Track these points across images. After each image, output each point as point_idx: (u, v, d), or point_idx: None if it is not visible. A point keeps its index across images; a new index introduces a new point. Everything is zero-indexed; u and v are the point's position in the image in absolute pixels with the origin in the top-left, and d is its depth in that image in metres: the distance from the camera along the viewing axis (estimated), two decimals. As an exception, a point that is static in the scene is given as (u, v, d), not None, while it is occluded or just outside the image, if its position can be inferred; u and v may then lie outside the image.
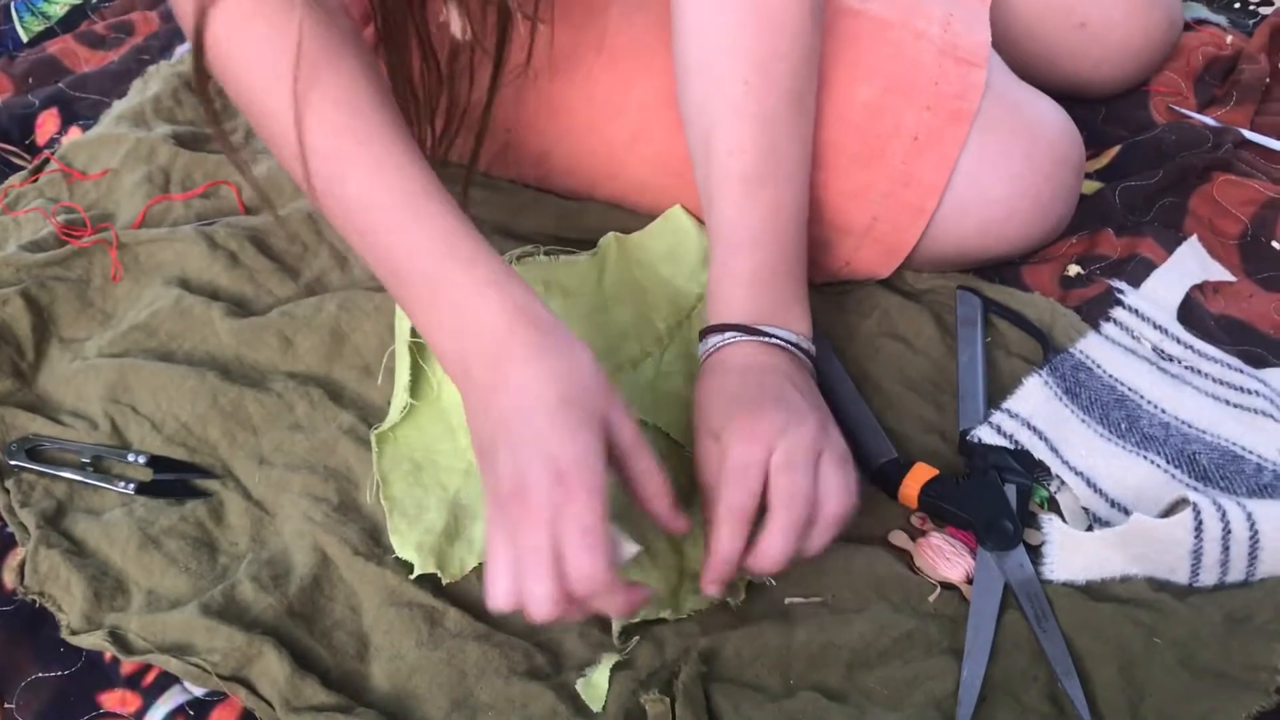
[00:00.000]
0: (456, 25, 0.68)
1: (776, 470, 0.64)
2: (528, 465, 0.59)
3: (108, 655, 0.69)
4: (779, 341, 0.72)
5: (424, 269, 0.65)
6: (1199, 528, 0.68)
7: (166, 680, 0.67)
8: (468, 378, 0.64)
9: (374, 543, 0.73)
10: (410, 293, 0.67)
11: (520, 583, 0.58)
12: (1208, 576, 0.69)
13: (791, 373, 0.71)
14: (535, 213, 0.95)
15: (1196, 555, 0.68)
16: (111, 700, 0.67)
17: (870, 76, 0.82)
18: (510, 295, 0.64)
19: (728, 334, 0.73)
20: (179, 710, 0.66)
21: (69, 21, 1.33)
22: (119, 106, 1.14)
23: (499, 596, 0.59)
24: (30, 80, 1.21)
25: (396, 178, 0.65)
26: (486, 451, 0.63)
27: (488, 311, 0.63)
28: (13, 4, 1.34)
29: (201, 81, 0.68)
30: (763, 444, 0.65)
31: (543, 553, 0.58)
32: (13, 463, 0.78)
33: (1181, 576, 0.69)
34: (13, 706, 0.67)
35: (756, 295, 0.74)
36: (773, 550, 0.63)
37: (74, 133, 1.12)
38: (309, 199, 0.68)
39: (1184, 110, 1.04)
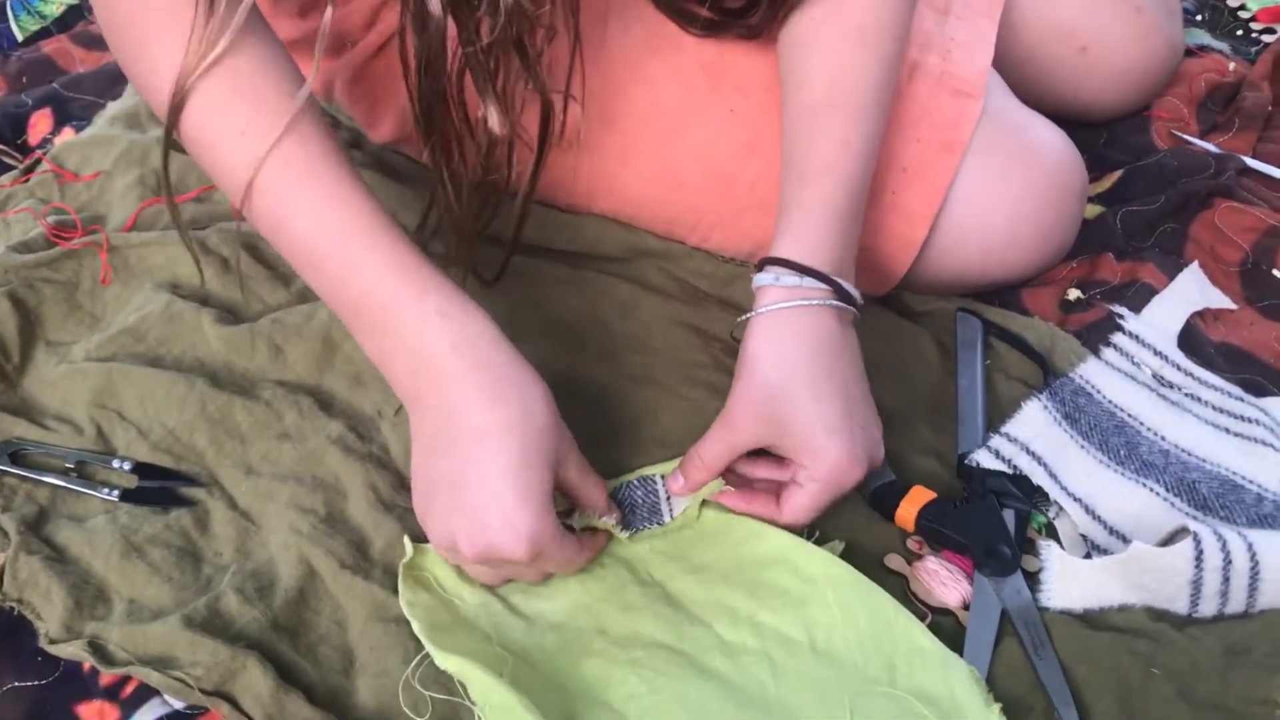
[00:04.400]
0: (495, 121, 0.67)
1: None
2: (488, 525, 0.62)
3: (87, 665, 0.67)
4: (842, 304, 0.70)
5: (374, 302, 0.64)
6: (1199, 557, 0.67)
7: (146, 692, 0.66)
8: (420, 405, 0.65)
9: (361, 556, 0.72)
10: (362, 323, 0.66)
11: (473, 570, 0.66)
12: (1207, 607, 0.68)
13: (854, 354, 0.71)
14: (533, 224, 0.94)
15: (1196, 585, 0.68)
16: (89, 712, 0.66)
17: None
18: (463, 330, 0.63)
19: (805, 280, 0.69)
20: (158, 723, 0.65)
21: (65, 21, 1.32)
22: (113, 108, 1.12)
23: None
24: (24, 80, 1.20)
25: (344, 211, 0.64)
26: (441, 472, 0.64)
27: (439, 348, 0.63)
28: (9, 3, 1.33)
29: (167, 151, 0.68)
30: (857, 467, 0.67)
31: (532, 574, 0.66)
32: (-5, 466, 0.77)
33: (1181, 607, 0.68)
34: (-12, 716, 0.66)
35: (829, 233, 0.71)
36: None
37: (67, 133, 1.11)
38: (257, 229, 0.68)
39: (1186, 136, 1.04)
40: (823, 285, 0.69)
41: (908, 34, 0.76)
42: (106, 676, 0.66)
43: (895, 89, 0.76)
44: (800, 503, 0.69)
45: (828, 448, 0.66)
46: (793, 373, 0.68)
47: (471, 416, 0.62)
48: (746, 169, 0.84)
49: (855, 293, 0.71)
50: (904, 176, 0.81)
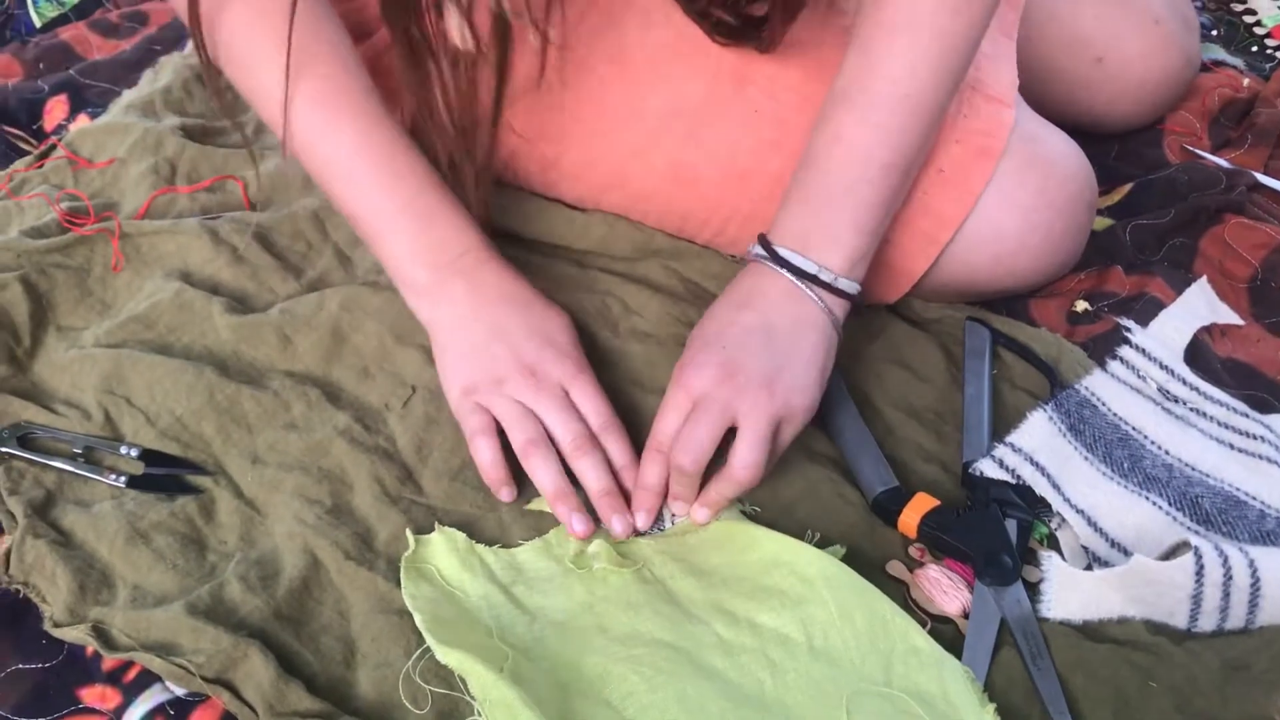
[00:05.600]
0: (455, 33, 0.68)
1: (692, 412, 0.72)
2: (532, 348, 0.77)
3: (90, 650, 0.67)
4: (795, 278, 0.74)
5: (404, 204, 0.78)
6: (1200, 572, 0.67)
7: (148, 678, 0.66)
8: (446, 291, 0.79)
9: (365, 547, 0.72)
10: (388, 225, 0.79)
11: (508, 418, 0.75)
12: (1207, 622, 0.68)
13: (786, 317, 0.74)
14: (541, 221, 0.95)
15: (1196, 600, 0.68)
16: (91, 696, 0.66)
17: None
18: (476, 227, 0.80)
19: (758, 245, 0.77)
20: (159, 709, 0.65)
21: (83, 9, 1.32)
22: (128, 96, 1.13)
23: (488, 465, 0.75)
24: (41, 66, 1.21)
25: (371, 137, 0.78)
26: (476, 350, 0.77)
27: (466, 230, 0.80)
28: (28, -12, 1.34)
29: (206, 66, 0.78)
30: (688, 390, 0.72)
31: (550, 406, 0.75)
32: (3, 450, 0.77)
33: (1180, 621, 0.69)
34: (-10, 697, 0.66)
35: (797, 214, 0.76)
36: (644, 478, 0.74)
37: (82, 120, 1.12)
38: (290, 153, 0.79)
39: (1198, 151, 1.04)
40: (764, 253, 0.76)
41: (963, 37, 0.75)
42: (109, 661, 0.67)
43: (942, 89, 0.76)
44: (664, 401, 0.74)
45: (690, 344, 0.75)
46: (717, 307, 0.77)
47: (499, 270, 0.80)
48: (769, 164, 0.84)
49: (809, 266, 0.75)
50: (940, 177, 0.82)
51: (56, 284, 0.89)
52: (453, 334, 0.78)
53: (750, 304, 0.75)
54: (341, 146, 0.78)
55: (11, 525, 0.73)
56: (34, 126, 1.13)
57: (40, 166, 1.03)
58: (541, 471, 0.73)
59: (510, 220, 0.96)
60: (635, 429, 0.79)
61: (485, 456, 0.75)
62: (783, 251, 0.75)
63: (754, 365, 0.72)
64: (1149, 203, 0.98)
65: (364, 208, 0.79)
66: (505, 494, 0.75)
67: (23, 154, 1.07)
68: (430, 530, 0.73)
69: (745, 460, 0.70)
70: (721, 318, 0.76)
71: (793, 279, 0.74)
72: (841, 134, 0.76)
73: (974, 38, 0.75)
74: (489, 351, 0.77)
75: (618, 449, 0.76)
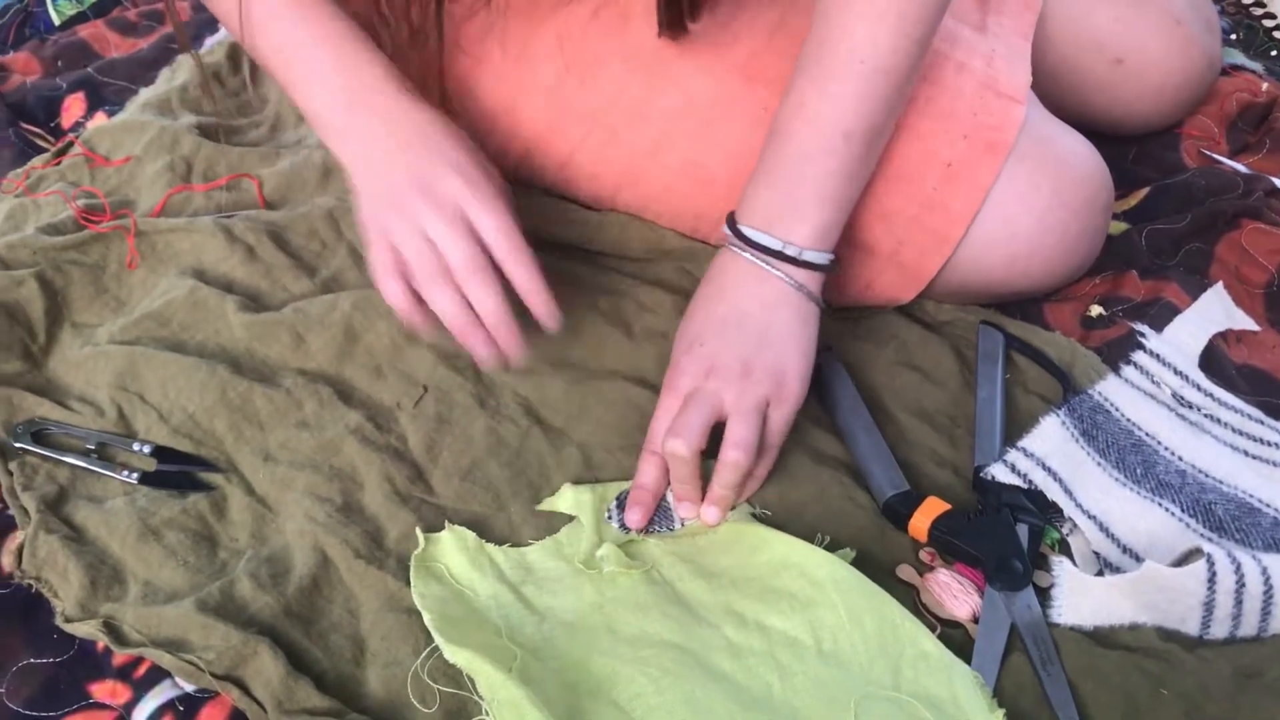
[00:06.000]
0: None
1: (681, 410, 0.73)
2: (430, 166, 0.76)
3: (100, 645, 0.68)
4: (755, 255, 0.76)
5: (330, 59, 0.80)
6: (1212, 579, 0.67)
7: (158, 674, 0.67)
8: (360, 131, 0.79)
9: (375, 545, 0.72)
10: (308, 72, 0.80)
11: (406, 250, 0.74)
12: (1219, 629, 0.68)
13: (757, 298, 0.75)
14: (557, 222, 0.95)
15: (1208, 607, 0.67)
16: (102, 691, 0.66)
17: (909, 100, 0.82)
18: (396, 74, 0.80)
19: (725, 228, 0.78)
20: (169, 705, 0.65)
21: (101, 7, 1.33)
22: (146, 94, 1.14)
23: (394, 293, 0.75)
24: (59, 63, 1.22)
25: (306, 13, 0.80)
26: (383, 184, 0.77)
27: (380, 72, 0.79)
28: (47, -13, 1.34)
29: None
30: (675, 391, 0.75)
31: (444, 227, 0.74)
32: (17, 445, 0.78)
33: (1192, 628, 0.68)
34: (2, 691, 0.66)
35: (762, 190, 0.77)
36: (640, 477, 0.76)
37: (99, 118, 1.12)
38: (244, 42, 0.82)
39: (1215, 155, 1.03)
40: (732, 233, 0.77)
41: (923, 4, 0.75)
42: (120, 657, 0.67)
43: (902, 54, 0.76)
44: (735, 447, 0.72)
45: (676, 346, 0.77)
46: (695, 303, 0.78)
47: (415, 107, 0.79)
48: None
49: (773, 243, 0.75)
50: (948, 172, 0.81)
51: (72, 281, 0.90)
52: (365, 171, 0.79)
53: (722, 294, 0.77)
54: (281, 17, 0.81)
55: (24, 520, 0.74)
56: (51, 124, 1.13)
57: (57, 164, 1.04)
58: (439, 303, 0.74)
59: (524, 220, 0.96)
60: (644, 432, 0.79)
61: (394, 299, 0.76)
62: (747, 231, 0.76)
63: (729, 355, 0.74)
64: (1165, 207, 0.97)
65: (289, 59, 0.81)
66: (421, 328, 0.76)
67: (40, 151, 1.07)
68: (440, 529, 0.74)
69: (737, 437, 0.71)
70: (698, 315, 0.77)
71: (755, 259, 0.76)
72: (803, 104, 0.76)
73: (936, 3, 0.75)
74: (394, 183, 0.77)
75: (521, 274, 0.75)
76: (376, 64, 0.80)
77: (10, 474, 0.76)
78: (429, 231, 0.74)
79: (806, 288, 0.76)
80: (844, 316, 0.88)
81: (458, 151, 0.78)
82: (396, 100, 0.79)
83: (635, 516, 0.74)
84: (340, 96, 0.80)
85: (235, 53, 1.18)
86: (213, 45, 1.20)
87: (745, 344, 0.74)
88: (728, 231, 0.78)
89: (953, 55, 0.83)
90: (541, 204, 0.96)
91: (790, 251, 0.75)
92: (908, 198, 0.82)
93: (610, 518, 0.75)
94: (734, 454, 0.71)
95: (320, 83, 0.80)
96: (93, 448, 0.78)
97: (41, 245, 0.90)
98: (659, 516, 0.75)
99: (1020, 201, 0.82)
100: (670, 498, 0.76)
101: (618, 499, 0.76)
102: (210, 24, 1.25)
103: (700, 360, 0.74)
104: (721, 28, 0.85)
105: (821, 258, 0.76)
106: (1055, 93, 0.95)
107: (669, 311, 0.88)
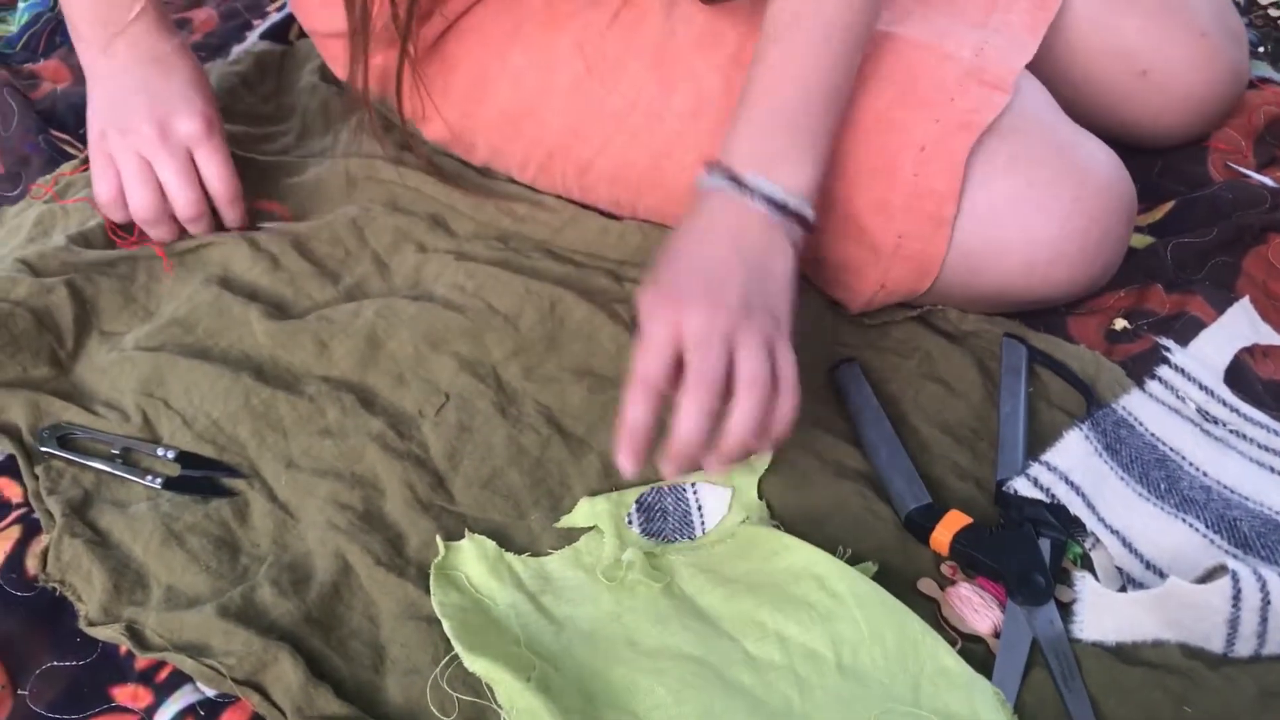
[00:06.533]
0: None
1: (687, 348, 0.68)
2: (173, 109, 0.90)
3: (123, 649, 0.68)
4: (753, 200, 0.74)
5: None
6: (1237, 596, 0.66)
7: (179, 678, 0.67)
8: (109, 46, 0.91)
9: (396, 553, 0.73)
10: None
11: (131, 183, 0.91)
12: (1244, 647, 0.67)
13: (753, 241, 0.73)
14: (576, 230, 0.95)
15: (1233, 625, 0.67)
16: (124, 695, 0.67)
17: (882, 89, 0.83)
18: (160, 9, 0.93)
19: (713, 175, 0.76)
20: (189, 710, 0.65)
21: (131, 15, 1.34)
22: (174, 102, 1.14)
23: (105, 202, 0.92)
24: (89, 71, 1.22)
25: None
26: (115, 99, 0.91)
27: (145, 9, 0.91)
28: (77, -5, 1.36)
29: None
30: (673, 326, 0.69)
31: (174, 168, 0.90)
32: (43, 449, 0.78)
33: (1216, 645, 0.67)
34: (25, 694, 0.67)
35: (750, 136, 0.77)
36: (681, 430, 0.67)
37: (128, 125, 1.13)
38: None
39: (1242, 169, 1.03)
40: (723, 182, 0.75)
41: None
42: (141, 661, 0.67)
43: (854, 9, 0.79)
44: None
45: (661, 283, 0.72)
46: (685, 243, 0.75)
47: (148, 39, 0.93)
48: None
49: (748, 179, 0.75)
50: (922, 155, 0.82)
51: (101, 290, 0.90)
52: (102, 82, 0.92)
53: (715, 234, 0.74)
54: None
55: (50, 524, 0.74)
56: (80, 131, 1.14)
57: (85, 170, 1.05)
58: (155, 233, 0.92)
59: (542, 231, 0.96)
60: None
61: (104, 199, 0.92)
62: (751, 178, 0.75)
63: (737, 295, 0.70)
64: (1192, 221, 0.96)
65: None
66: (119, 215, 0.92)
67: (69, 158, 1.08)
68: (460, 537, 0.74)
69: (752, 373, 0.68)
70: (693, 252, 0.74)
71: (756, 204, 0.74)
72: (771, 64, 0.78)
73: None
74: (127, 102, 0.90)
75: (235, 221, 0.93)
76: None
77: (36, 478, 0.77)
78: (153, 162, 0.90)
79: (795, 235, 0.76)
80: (866, 325, 0.88)
81: (192, 87, 0.92)
82: (150, 29, 0.92)
83: (630, 462, 0.68)
84: (98, 13, 0.90)
85: (263, 61, 1.19)
86: (240, 54, 1.21)
87: (748, 285, 0.71)
88: (719, 180, 0.75)
89: (939, 47, 0.84)
90: (560, 211, 0.96)
91: (793, 204, 0.75)
92: (893, 188, 0.83)
93: (631, 522, 0.75)
94: (752, 389, 0.68)
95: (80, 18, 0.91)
96: (117, 452, 0.79)
97: (71, 260, 0.91)
98: (677, 523, 0.75)
99: (1039, 208, 0.82)
100: (693, 499, 0.75)
101: (637, 502, 0.76)
102: (237, 34, 1.26)
103: (704, 296, 0.70)
104: (734, 23, 0.85)
105: (808, 210, 0.76)
106: (1081, 104, 0.95)
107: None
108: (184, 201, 0.90)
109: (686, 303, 0.69)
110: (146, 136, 0.89)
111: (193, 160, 0.91)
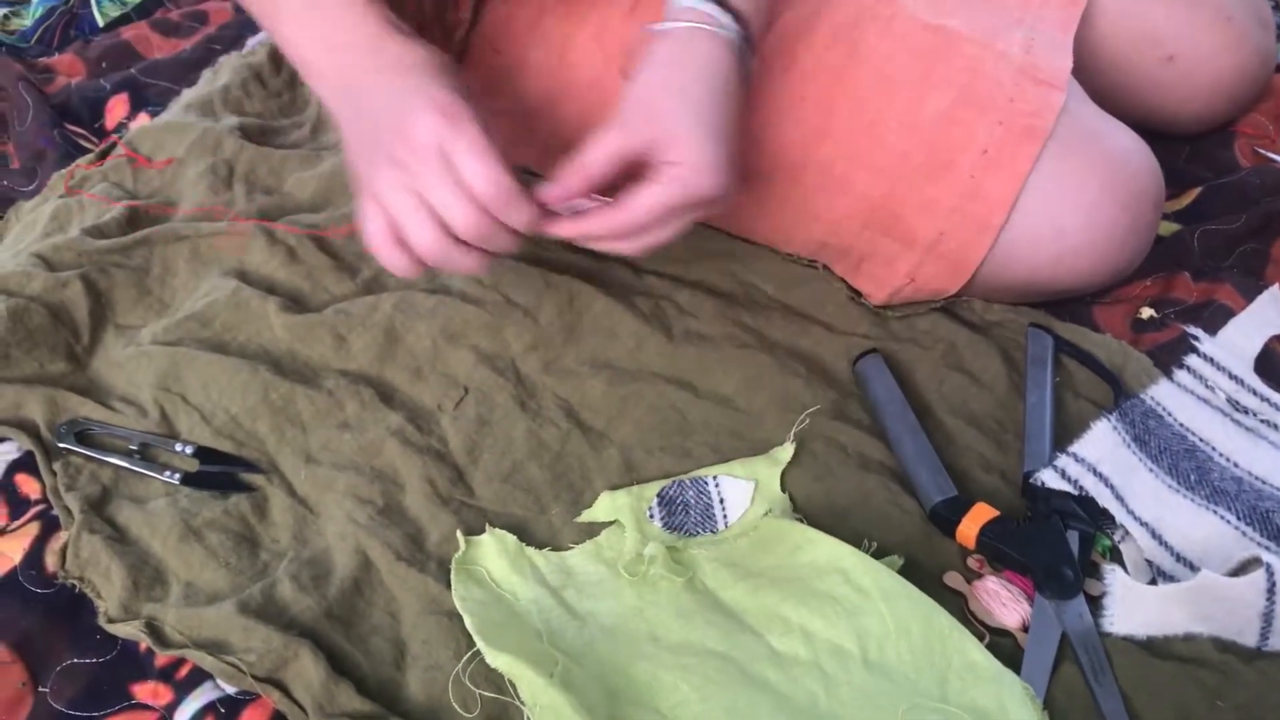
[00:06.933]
0: None
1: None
2: (408, 109, 0.68)
3: (143, 646, 0.68)
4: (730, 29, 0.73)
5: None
6: (1271, 589, 0.65)
7: (200, 675, 0.67)
8: (344, 74, 0.73)
9: (416, 548, 0.72)
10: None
11: (404, 220, 0.68)
12: (1278, 641, 0.66)
13: (738, 91, 0.73)
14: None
15: (1267, 618, 0.65)
16: (144, 692, 0.67)
17: (942, 88, 0.81)
18: (383, 12, 0.73)
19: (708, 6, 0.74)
20: (210, 707, 0.65)
21: (145, 8, 1.34)
22: (188, 95, 1.14)
23: (380, 241, 0.69)
24: (103, 65, 1.23)
25: None
26: (364, 140, 0.72)
27: (364, 17, 0.73)
28: (91, -11, 1.36)
29: None
30: (718, 176, 0.70)
31: (435, 183, 0.67)
32: (61, 445, 0.78)
33: (1249, 639, 0.66)
34: (46, 691, 0.67)
35: None
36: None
37: (142, 119, 1.13)
38: None
39: (1270, 154, 1.01)
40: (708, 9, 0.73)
41: None
42: (162, 658, 0.67)
43: None
44: (648, 196, 0.69)
45: (705, 147, 0.69)
46: (686, 85, 0.71)
47: (395, 44, 0.73)
48: (816, 153, 0.83)
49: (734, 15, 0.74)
50: (984, 159, 0.80)
51: (116, 283, 0.90)
52: (347, 125, 0.74)
53: (719, 81, 0.73)
54: None
55: (68, 520, 0.74)
56: (95, 125, 1.14)
57: (101, 164, 1.05)
58: (461, 267, 0.70)
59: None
60: (684, 434, 0.78)
61: (396, 267, 0.70)
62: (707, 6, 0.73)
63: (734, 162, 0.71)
64: (1219, 207, 0.95)
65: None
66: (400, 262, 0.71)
67: (84, 152, 1.08)
68: (481, 532, 0.73)
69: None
70: (704, 101, 0.72)
71: (722, 30, 0.73)
72: None
73: None
74: (374, 138, 0.71)
75: (522, 225, 0.70)
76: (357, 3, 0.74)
77: (54, 474, 0.77)
78: (415, 186, 0.68)
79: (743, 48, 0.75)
80: (890, 316, 0.87)
81: (432, 88, 0.71)
82: (378, 36, 0.74)
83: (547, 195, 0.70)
84: (323, 41, 0.74)
85: (278, 53, 1.18)
86: (255, 45, 1.21)
87: (709, 117, 0.71)
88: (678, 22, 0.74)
89: (990, 43, 0.83)
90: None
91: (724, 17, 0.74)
92: (945, 187, 0.81)
93: (652, 516, 0.74)
94: (628, 214, 0.70)
95: (297, 24, 0.75)
96: (135, 448, 0.78)
97: (86, 248, 0.91)
98: (700, 516, 0.75)
99: (1068, 197, 0.81)
100: (715, 493, 0.75)
101: (659, 496, 0.75)
102: (252, 25, 1.26)
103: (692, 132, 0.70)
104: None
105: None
106: (1107, 90, 0.93)
107: (709, 314, 0.87)
108: (461, 223, 0.68)
109: (719, 172, 0.70)
110: (391, 158, 0.69)
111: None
